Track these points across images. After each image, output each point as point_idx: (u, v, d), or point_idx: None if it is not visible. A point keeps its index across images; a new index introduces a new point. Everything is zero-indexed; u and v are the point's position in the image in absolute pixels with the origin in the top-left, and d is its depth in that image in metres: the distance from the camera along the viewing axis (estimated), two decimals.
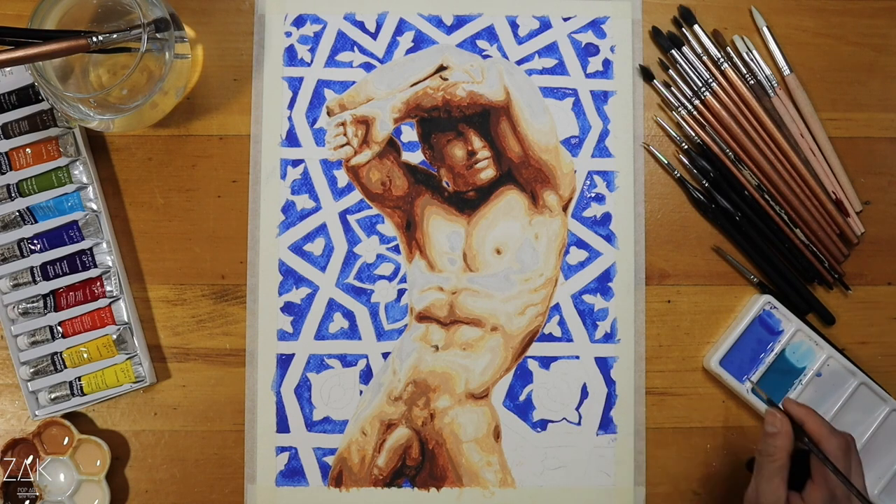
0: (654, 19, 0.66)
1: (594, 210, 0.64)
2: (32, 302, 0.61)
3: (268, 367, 0.62)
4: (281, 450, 0.62)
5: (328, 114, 0.64)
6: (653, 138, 0.65)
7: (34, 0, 0.56)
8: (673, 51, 0.65)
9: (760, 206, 0.64)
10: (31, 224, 0.61)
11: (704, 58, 0.65)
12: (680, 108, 0.65)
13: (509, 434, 0.62)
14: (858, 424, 0.62)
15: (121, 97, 0.57)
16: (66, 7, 0.57)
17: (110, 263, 0.62)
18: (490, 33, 0.65)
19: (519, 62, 0.65)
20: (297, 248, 0.63)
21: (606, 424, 0.63)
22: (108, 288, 0.61)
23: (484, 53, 0.65)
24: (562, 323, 0.63)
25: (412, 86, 0.64)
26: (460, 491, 0.62)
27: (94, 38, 0.54)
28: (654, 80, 0.65)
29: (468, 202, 0.64)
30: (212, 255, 0.63)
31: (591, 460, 0.62)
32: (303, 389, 0.62)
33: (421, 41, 0.65)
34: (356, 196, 0.64)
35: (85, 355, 0.61)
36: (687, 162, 0.65)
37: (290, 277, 0.63)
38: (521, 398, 0.63)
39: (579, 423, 0.63)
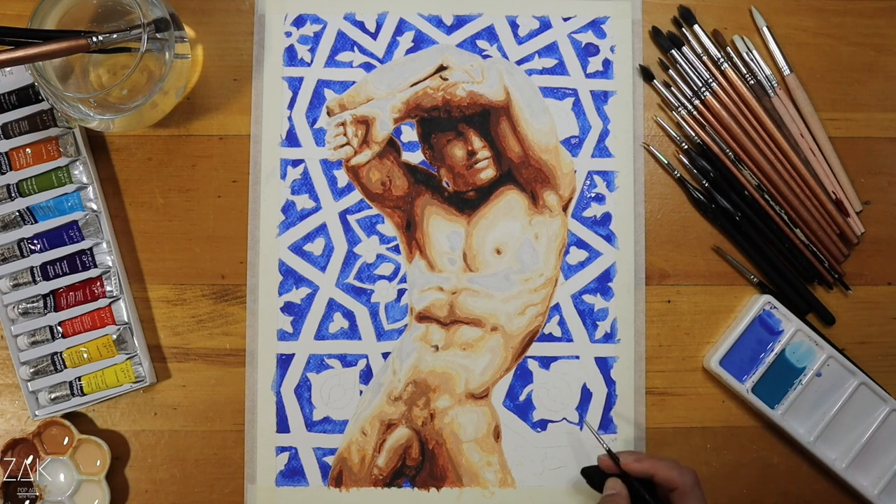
0: (654, 19, 0.66)
1: (594, 210, 0.64)
2: (32, 302, 0.61)
3: (268, 367, 0.62)
4: (281, 450, 0.62)
5: (328, 114, 0.64)
6: (653, 138, 0.65)
7: (34, 0, 0.56)
8: (673, 51, 0.65)
9: (760, 206, 0.64)
10: (31, 224, 0.61)
11: (704, 58, 0.65)
12: (680, 108, 0.65)
13: (509, 434, 0.62)
14: (858, 424, 0.62)
15: (121, 97, 0.58)
16: (66, 7, 0.57)
17: (110, 263, 0.62)
18: (490, 33, 0.65)
19: (519, 62, 0.65)
20: (297, 248, 0.63)
21: (606, 424, 0.63)
22: (108, 288, 0.61)
23: (484, 53, 0.65)
24: (562, 323, 0.63)
25: (412, 86, 0.64)
26: (460, 491, 0.62)
27: (94, 38, 0.54)
28: (654, 80, 0.65)
29: (468, 202, 0.64)
30: (212, 255, 0.63)
31: (591, 460, 0.62)
32: (303, 389, 0.62)
33: (421, 41, 0.65)
34: (356, 196, 0.64)
35: (85, 355, 0.61)
36: (687, 162, 0.65)
37: (290, 277, 0.63)
38: (521, 398, 0.63)
39: (579, 423, 0.63)
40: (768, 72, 0.65)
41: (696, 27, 0.65)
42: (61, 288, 0.62)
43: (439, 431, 0.62)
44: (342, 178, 0.64)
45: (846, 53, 0.66)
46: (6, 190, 0.61)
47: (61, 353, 0.61)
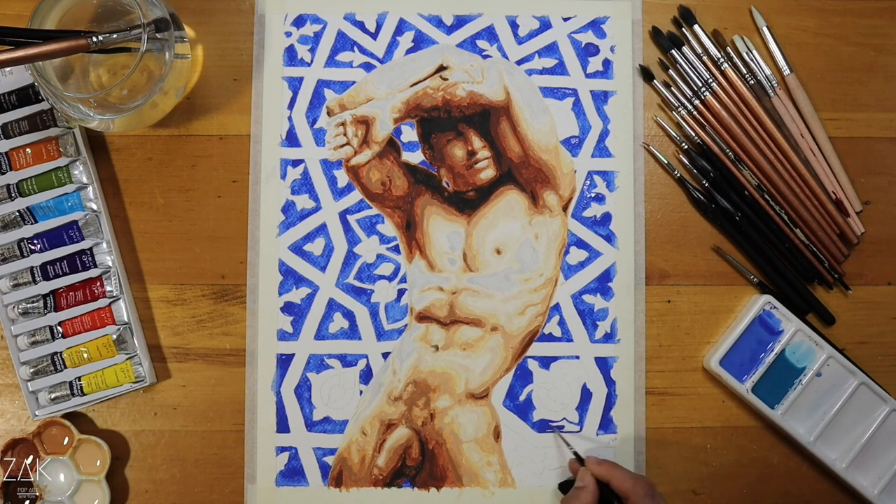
0: (654, 19, 0.66)
1: (594, 210, 0.64)
2: (32, 302, 0.61)
3: (268, 367, 0.62)
4: (281, 450, 0.62)
5: (328, 114, 0.64)
6: (653, 138, 0.65)
7: (34, 0, 0.56)
8: (673, 51, 0.65)
9: (760, 206, 0.64)
10: (31, 224, 0.61)
11: (704, 58, 0.65)
12: (680, 108, 0.65)
13: (509, 434, 0.62)
14: (858, 424, 0.62)
15: (121, 97, 0.58)
16: (66, 7, 0.57)
17: (110, 263, 0.62)
18: (490, 33, 0.65)
19: (519, 62, 0.65)
20: (297, 248, 0.63)
21: (606, 424, 0.63)
22: (108, 288, 0.61)
23: (484, 53, 0.65)
24: (562, 323, 0.63)
25: (412, 86, 0.64)
26: (460, 491, 0.62)
27: (94, 38, 0.54)
28: (654, 80, 0.65)
29: (468, 202, 0.64)
30: (212, 255, 0.63)
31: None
32: (303, 389, 0.62)
33: (421, 41, 0.65)
34: (356, 196, 0.64)
35: (85, 355, 0.61)
36: (687, 162, 0.65)
37: (290, 277, 0.63)
38: (521, 398, 0.63)
39: (579, 423, 0.63)
40: (768, 72, 0.65)
41: (696, 27, 0.65)
42: (61, 288, 0.62)
43: (439, 431, 0.62)
44: (342, 178, 0.64)
45: (846, 53, 0.66)
46: (6, 190, 0.61)
47: (61, 353, 0.61)
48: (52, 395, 0.61)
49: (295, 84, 0.64)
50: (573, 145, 0.64)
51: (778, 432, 0.63)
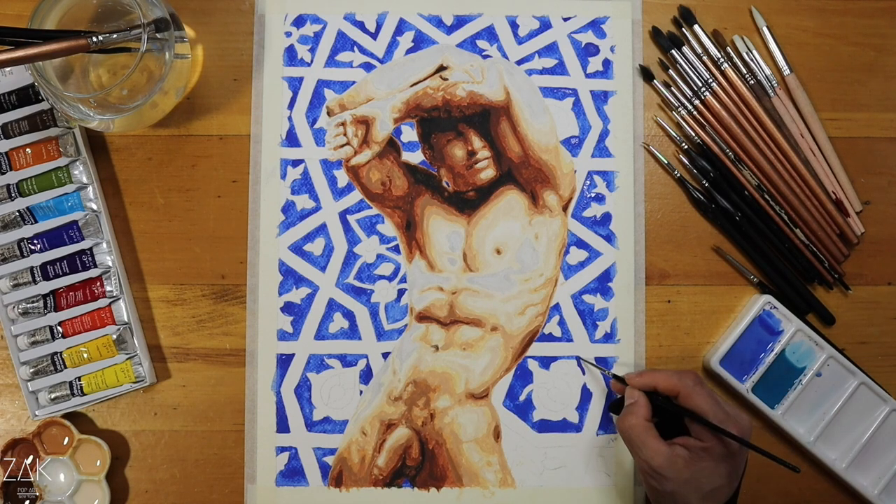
0: (654, 19, 0.66)
1: (594, 210, 0.64)
2: (32, 302, 0.61)
3: (268, 367, 0.62)
4: (281, 450, 0.62)
5: (328, 114, 0.64)
6: (653, 138, 0.65)
7: (34, 0, 0.56)
8: (673, 51, 0.65)
9: (760, 206, 0.64)
10: (31, 224, 0.61)
11: (704, 58, 0.65)
12: (680, 108, 0.65)
13: (509, 434, 0.62)
14: (858, 424, 0.62)
15: (121, 97, 0.58)
16: (66, 7, 0.57)
17: (110, 263, 0.62)
18: (490, 33, 0.65)
19: (519, 62, 0.65)
20: (297, 248, 0.63)
21: (606, 424, 0.63)
22: (108, 288, 0.61)
23: (484, 53, 0.65)
24: (562, 323, 0.63)
25: (412, 86, 0.64)
26: (460, 491, 0.62)
27: (94, 38, 0.54)
28: (654, 80, 0.65)
29: (468, 202, 0.64)
30: (212, 255, 0.63)
31: (591, 460, 0.62)
32: (303, 389, 0.62)
33: (421, 41, 0.65)
34: (356, 196, 0.64)
35: (85, 355, 0.61)
36: (687, 162, 0.65)
37: (290, 277, 0.63)
38: (521, 398, 0.63)
39: (579, 423, 0.63)
40: (768, 72, 0.65)
41: (696, 27, 0.65)
42: (61, 288, 0.62)
43: (439, 431, 0.62)
44: (342, 178, 0.64)
45: (846, 53, 0.66)
46: (6, 190, 0.61)
47: (61, 353, 0.61)
48: (52, 395, 0.61)
49: (295, 84, 0.64)
50: (573, 145, 0.64)
51: (778, 432, 0.63)
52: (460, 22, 0.65)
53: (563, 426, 0.62)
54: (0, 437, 0.62)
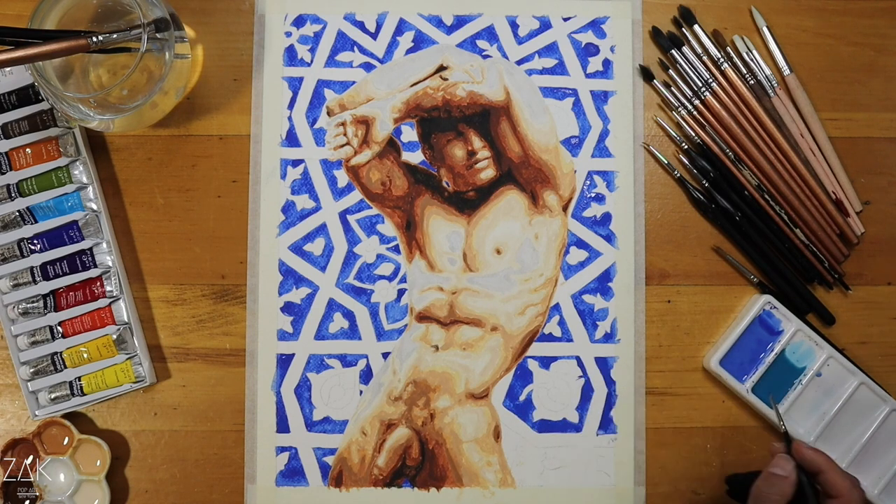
0: (654, 19, 0.66)
1: (594, 210, 0.64)
2: (32, 302, 0.61)
3: (268, 367, 0.62)
4: (281, 450, 0.62)
5: (328, 114, 0.64)
6: (653, 138, 0.65)
7: (34, 0, 0.56)
8: (673, 51, 0.65)
9: (760, 206, 0.64)
10: (31, 224, 0.61)
11: (704, 58, 0.65)
12: (680, 108, 0.65)
13: (509, 434, 0.62)
14: (858, 424, 0.62)
15: (121, 97, 0.58)
16: (66, 7, 0.57)
17: (110, 263, 0.62)
18: (490, 33, 0.65)
19: (519, 62, 0.65)
20: (297, 248, 0.63)
21: (606, 424, 0.63)
22: (108, 288, 0.61)
23: (484, 53, 0.65)
24: (562, 323, 0.63)
25: (412, 86, 0.64)
26: (460, 491, 0.62)
27: (94, 38, 0.54)
28: (654, 80, 0.65)
29: (468, 202, 0.64)
30: (212, 255, 0.63)
31: (591, 460, 0.62)
32: (303, 389, 0.62)
33: (421, 41, 0.65)
34: (356, 196, 0.64)
35: (85, 355, 0.61)
36: (687, 162, 0.65)
37: (290, 277, 0.63)
38: (521, 398, 0.63)
39: (579, 423, 0.63)
40: (768, 72, 0.65)
41: (696, 27, 0.65)
42: (61, 288, 0.62)
43: (439, 431, 0.62)
44: (342, 178, 0.64)
45: (846, 53, 0.66)
46: (6, 190, 0.61)
47: (61, 353, 0.61)
48: (52, 395, 0.61)
49: (295, 84, 0.64)
50: (573, 145, 0.64)
51: (778, 432, 0.63)
52: (460, 22, 0.65)
53: (563, 426, 0.63)
54: (0, 437, 0.62)
